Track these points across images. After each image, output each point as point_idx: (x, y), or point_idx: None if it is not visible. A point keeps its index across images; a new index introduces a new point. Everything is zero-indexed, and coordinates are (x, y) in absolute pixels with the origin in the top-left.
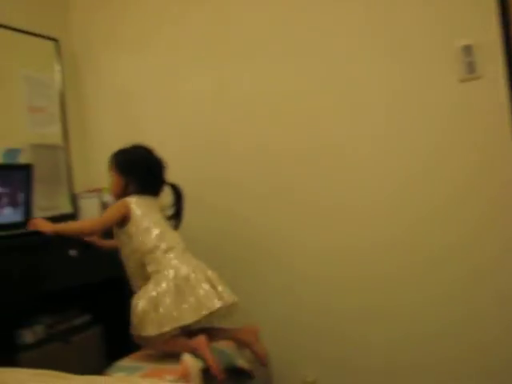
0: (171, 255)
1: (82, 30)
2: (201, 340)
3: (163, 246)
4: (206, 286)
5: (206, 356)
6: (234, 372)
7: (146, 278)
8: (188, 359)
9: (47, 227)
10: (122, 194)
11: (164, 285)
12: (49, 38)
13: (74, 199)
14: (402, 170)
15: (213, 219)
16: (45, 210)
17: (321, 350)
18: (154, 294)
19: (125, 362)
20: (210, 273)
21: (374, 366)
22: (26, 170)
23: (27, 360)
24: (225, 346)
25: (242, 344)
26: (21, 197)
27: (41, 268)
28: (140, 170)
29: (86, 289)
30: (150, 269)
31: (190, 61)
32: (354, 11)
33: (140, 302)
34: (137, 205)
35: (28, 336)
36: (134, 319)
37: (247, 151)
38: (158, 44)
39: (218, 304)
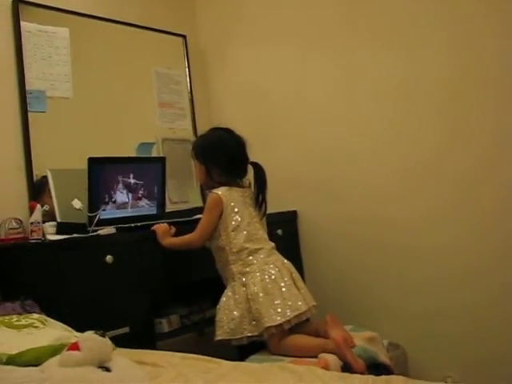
0: (258, 257)
1: (208, 25)
2: (339, 341)
3: (250, 247)
4: (292, 288)
5: (346, 356)
6: (375, 367)
7: (231, 275)
8: (326, 355)
9: (161, 239)
10: (209, 181)
11: (253, 287)
12: (178, 35)
13: (204, 193)
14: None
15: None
16: (176, 204)
17: (464, 351)
18: (241, 297)
19: (260, 356)
20: (294, 274)
21: None
22: (160, 162)
23: (163, 349)
24: (367, 342)
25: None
26: (155, 189)
27: (178, 260)
28: (218, 153)
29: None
30: (235, 268)
31: (317, 53)
32: None
33: (235, 310)
34: (227, 199)
35: (164, 325)
36: (230, 325)
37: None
38: (283, 37)
39: (303, 307)
